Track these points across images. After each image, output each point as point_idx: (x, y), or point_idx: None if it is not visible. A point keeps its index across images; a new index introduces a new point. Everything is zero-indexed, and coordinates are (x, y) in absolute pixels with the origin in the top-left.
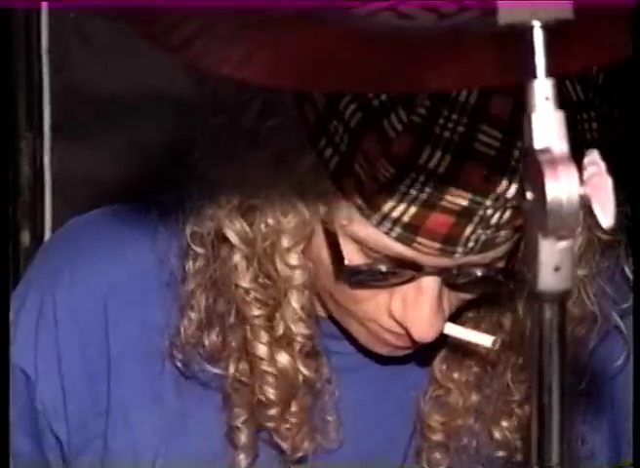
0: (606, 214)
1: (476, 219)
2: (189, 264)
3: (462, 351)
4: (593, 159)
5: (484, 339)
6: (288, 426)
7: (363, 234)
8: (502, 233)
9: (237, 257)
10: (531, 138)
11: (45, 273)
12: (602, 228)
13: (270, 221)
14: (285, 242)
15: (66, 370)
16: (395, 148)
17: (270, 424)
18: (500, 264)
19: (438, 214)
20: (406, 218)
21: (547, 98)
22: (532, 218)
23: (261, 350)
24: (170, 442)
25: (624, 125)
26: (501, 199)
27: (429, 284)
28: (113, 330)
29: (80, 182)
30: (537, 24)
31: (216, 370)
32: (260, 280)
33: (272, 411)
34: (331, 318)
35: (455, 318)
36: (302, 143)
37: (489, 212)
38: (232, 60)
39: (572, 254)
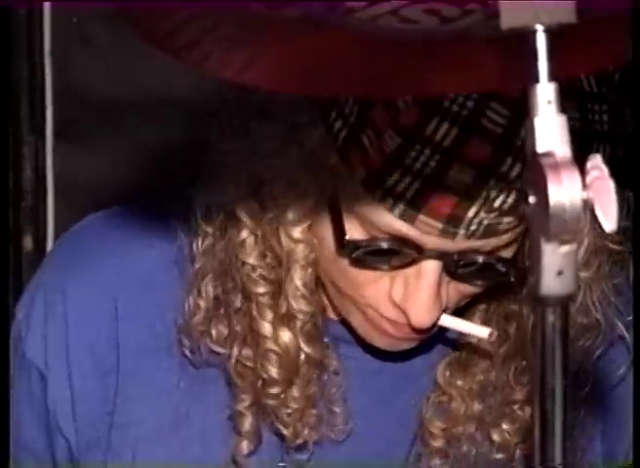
0: (609, 219)
1: (480, 201)
2: (198, 243)
3: (468, 359)
4: (596, 163)
5: (480, 331)
6: (289, 411)
7: (366, 210)
8: (506, 220)
9: (244, 233)
10: (533, 142)
11: (53, 274)
12: (605, 232)
13: (277, 195)
14: (290, 215)
15: (76, 369)
16: (403, 118)
17: (273, 403)
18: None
19: (442, 192)
20: (409, 194)
21: (550, 102)
22: (534, 222)
23: (266, 328)
24: (174, 436)
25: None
26: (505, 179)
27: (430, 268)
28: (122, 326)
29: (82, 186)
30: (539, 28)
31: (222, 353)
32: (267, 258)
33: (274, 390)
34: (342, 322)
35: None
36: (313, 117)
37: (492, 193)
38: (234, 64)
39: (575, 259)
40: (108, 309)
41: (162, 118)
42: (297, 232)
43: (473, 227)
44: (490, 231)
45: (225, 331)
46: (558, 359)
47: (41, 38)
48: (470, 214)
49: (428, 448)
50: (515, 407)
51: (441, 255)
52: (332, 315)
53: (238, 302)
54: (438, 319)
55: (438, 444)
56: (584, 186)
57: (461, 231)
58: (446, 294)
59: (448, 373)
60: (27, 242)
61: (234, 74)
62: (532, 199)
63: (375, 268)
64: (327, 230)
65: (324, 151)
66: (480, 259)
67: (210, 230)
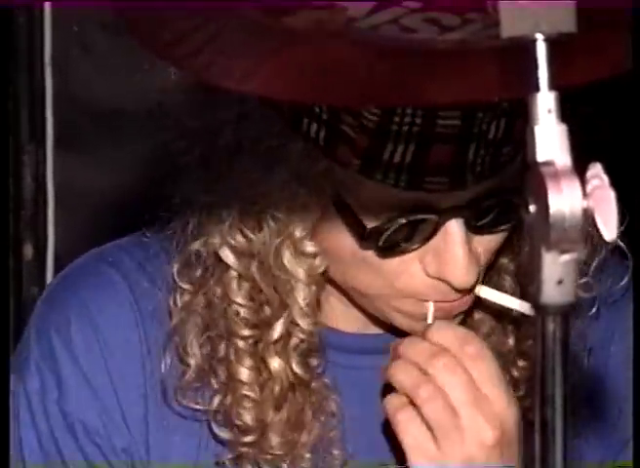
0: (609, 228)
1: (475, 139)
2: (176, 299)
3: (469, 326)
4: (596, 172)
5: (522, 306)
6: (268, 457)
7: (374, 195)
8: (505, 150)
9: (232, 273)
10: (534, 151)
11: (52, 322)
12: (606, 239)
13: (278, 217)
14: (297, 233)
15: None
16: None
17: (251, 452)
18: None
19: (437, 145)
20: (407, 161)
21: (550, 111)
22: (534, 231)
23: (244, 374)
24: None
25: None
26: (491, 109)
27: (454, 227)
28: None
29: (82, 194)
30: (540, 37)
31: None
32: (254, 300)
33: (249, 438)
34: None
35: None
36: (286, 134)
37: (484, 126)
38: (236, 73)
39: (575, 268)
40: (99, 351)
41: (161, 127)
42: (309, 246)
43: (478, 169)
44: (494, 166)
45: (215, 385)
46: (558, 367)
47: (41, 46)
48: (470, 156)
49: None
50: (514, 371)
51: (459, 211)
52: (342, 327)
53: (221, 350)
54: (478, 279)
55: None
56: (585, 195)
57: (469, 177)
58: (477, 253)
59: None
60: (27, 250)
61: (235, 83)
62: (532, 208)
63: (403, 251)
64: (341, 233)
65: (310, 160)
66: (495, 202)
67: (188, 285)
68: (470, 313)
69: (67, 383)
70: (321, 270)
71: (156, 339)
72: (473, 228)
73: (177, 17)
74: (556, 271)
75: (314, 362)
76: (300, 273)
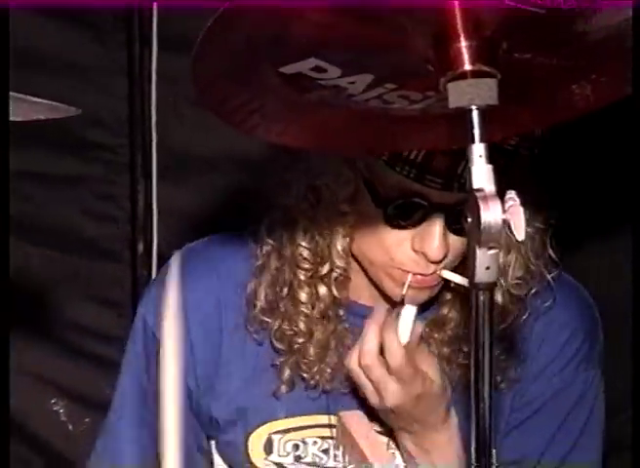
0: (519, 232)
1: (464, 159)
2: (262, 249)
3: (442, 318)
4: (511, 196)
5: (465, 282)
6: (308, 360)
7: (391, 179)
8: None
9: (299, 227)
10: (471, 182)
11: (175, 277)
12: (517, 240)
13: (331, 185)
14: (340, 196)
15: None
16: None
17: (299, 355)
18: None
19: (440, 154)
20: (419, 159)
21: (481, 156)
22: (471, 235)
23: (303, 296)
24: (249, 386)
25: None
26: None
27: (437, 219)
28: (223, 313)
29: (176, 214)
30: (474, 108)
31: (269, 327)
32: (312, 244)
33: (300, 340)
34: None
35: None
36: None
37: None
38: (274, 132)
39: (497, 259)
40: (214, 305)
41: (232, 169)
42: (345, 207)
43: (462, 181)
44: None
45: (282, 308)
46: (487, 323)
47: (149, 116)
48: (459, 170)
49: None
50: (464, 347)
51: (443, 209)
52: (361, 301)
53: (286, 289)
54: (444, 263)
55: None
56: (504, 211)
57: (456, 185)
58: (449, 246)
59: (427, 329)
60: (140, 247)
61: (274, 138)
62: (469, 219)
63: (401, 227)
64: (364, 200)
65: None
66: None
67: (271, 240)
68: (441, 309)
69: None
70: (350, 224)
71: (236, 293)
72: (450, 227)
73: (233, 95)
74: (485, 261)
75: (341, 311)
76: (339, 228)
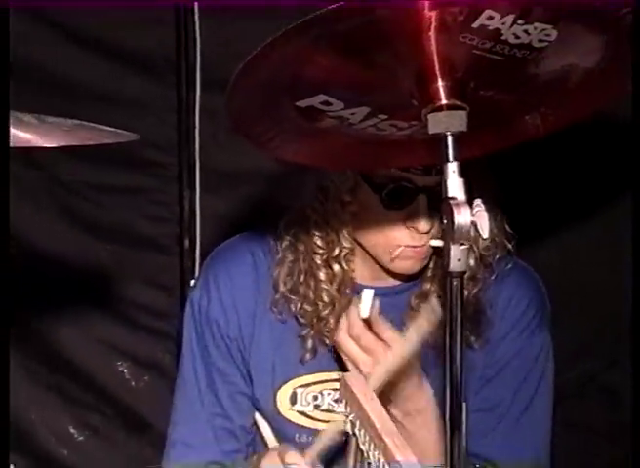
0: (484, 231)
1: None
2: (283, 242)
3: (427, 291)
4: (478, 202)
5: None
6: (328, 329)
7: (385, 170)
8: None
9: (313, 218)
10: (446, 192)
11: (209, 273)
12: (483, 237)
13: (335, 181)
14: (344, 188)
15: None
16: None
17: (321, 324)
18: None
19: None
20: None
21: (454, 171)
22: (446, 233)
23: (321, 275)
24: (277, 354)
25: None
26: None
27: (422, 199)
28: (256, 294)
29: (214, 217)
30: (449, 133)
31: (292, 305)
32: (323, 232)
33: (325, 312)
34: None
35: None
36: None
37: None
38: (290, 151)
39: (467, 253)
40: (247, 286)
41: (258, 182)
42: (347, 197)
43: (439, 167)
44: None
45: (298, 293)
46: (459, 306)
47: (194, 140)
48: (424, 161)
49: None
50: None
51: (426, 191)
52: (365, 282)
53: (302, 276)
54: (431, 230)
55: None
56: (472, 215)
57: (434, 170)
58: (434, 220)
59: (415, 300)
60: (186, 243)
61: (290, 157)
62: (445, 221)
63: (395, 208)
64: (365, 192)
65: None
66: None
67: (287, 237)
68: (424, 283)
69: (211, 297)
70: (353, 211)
71: (261, 281)
72: (432, 205)
73: (258, 124)
74: (457, 254)
75: (348, 290)
76: (344, 216)
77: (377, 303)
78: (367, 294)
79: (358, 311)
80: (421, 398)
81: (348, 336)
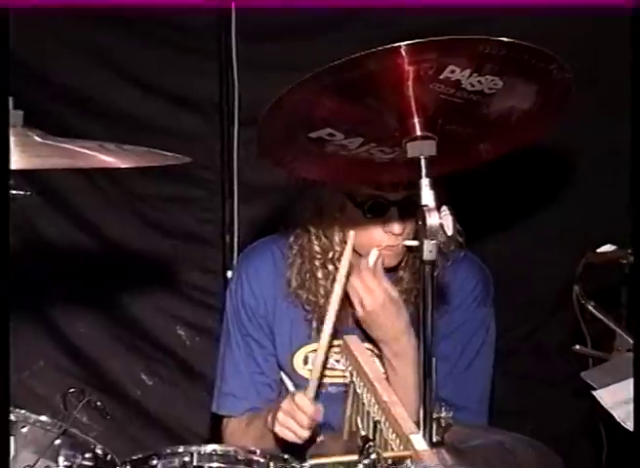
0: (449, 230)
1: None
2: (293, 245)
3: (403, 277)
4: (445, 208)
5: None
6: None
7: (363, 191)
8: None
9: (311, 230)
10: (420, 200)
11: (241, 267)
12: (448, 235)
13: (328, 202)
14: (334, 206)
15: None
16: None
17: (322, 307)
18: None
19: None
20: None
21: (426, 185)
22: (420, 232)
23: (320, 274)
24: (290, 333)
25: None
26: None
27: (394, 212)
28: (276, 283)
29: (249, 221)
30: (422, 157)
31: (300, 297)
32: (320, 241)
33: (322, 301)
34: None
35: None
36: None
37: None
38: (303, 170)
39: (437, 247)
40: (268, 280)
41: (279, 195)
42: (337, 213)
43: (406, 184)
44: (413, 185)
45: (304, 287)
46: (430, 288)
47: (232, 162)
48: (404, 177)
49: None
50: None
51: (397, 203)
52: None
53: (307, 275)
54: (407, 234)
55: None
56: (440, 217)
57: (401, 187)
58: (406, 225)
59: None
60: (227, 239)
61: (304, 175)
62: (420, 222)
63: (373, 217)
64: (350, 208)
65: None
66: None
67: (295, 246)
68: (399, 272)
69: (244, 286)
70: (342, 223)
71: (279, 275)
72: (403, 213)
73: (280, 151)
74: (429, 247)
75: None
76: (335, 227)
77: (380, 261)
78: (373, 252)
79: (367, 261)
80: (408, 342)
81: (357, 277)
